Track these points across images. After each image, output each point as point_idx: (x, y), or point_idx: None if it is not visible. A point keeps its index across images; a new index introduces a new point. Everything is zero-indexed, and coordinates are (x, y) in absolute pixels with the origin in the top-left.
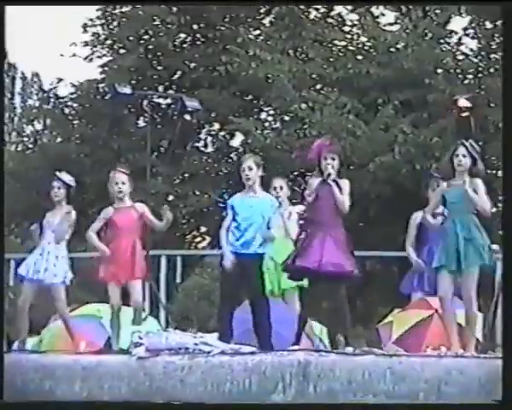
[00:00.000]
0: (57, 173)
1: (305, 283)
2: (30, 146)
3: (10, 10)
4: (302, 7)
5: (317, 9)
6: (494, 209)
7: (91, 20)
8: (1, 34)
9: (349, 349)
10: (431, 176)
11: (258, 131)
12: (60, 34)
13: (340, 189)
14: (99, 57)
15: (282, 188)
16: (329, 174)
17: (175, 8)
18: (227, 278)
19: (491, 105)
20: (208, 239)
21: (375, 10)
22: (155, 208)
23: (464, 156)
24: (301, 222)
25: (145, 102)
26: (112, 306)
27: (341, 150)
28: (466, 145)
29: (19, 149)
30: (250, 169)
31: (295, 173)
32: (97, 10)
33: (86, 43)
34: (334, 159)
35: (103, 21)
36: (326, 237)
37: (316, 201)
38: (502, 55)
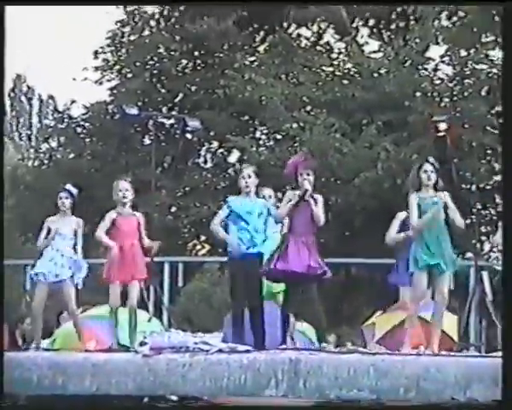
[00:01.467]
0: (63, 185)
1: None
2: (45, 162)
3: (27, 39)
4: (293, 36)
5: (307, 38)
6: (468, 221)
7: (102, 47)
8: (1, 34)
9: (324, 345)
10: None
11: (254, 149)
12: (73, 59)
13: (316, 203)
14: (108, 81)
15: (270, 197)
16: (306, 190)
17: (178, 37)
18: (235, 279)
19: (466, 126)
20: (208, 247)
21: (360, 39)
22: (159, 219)
23: (432, 172)
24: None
25: (150, 122)
26: (110, 305)
27: (316, 166)
28: (432, 162)
29: (35, 164)
30: (249, 177)
31: (287, 187)
32: (107, 38)
33: (97, 68)
34: (309, 174)
35: (112, 48)
36: (300, 245)
37: (293, 212)
38: (502, 55)
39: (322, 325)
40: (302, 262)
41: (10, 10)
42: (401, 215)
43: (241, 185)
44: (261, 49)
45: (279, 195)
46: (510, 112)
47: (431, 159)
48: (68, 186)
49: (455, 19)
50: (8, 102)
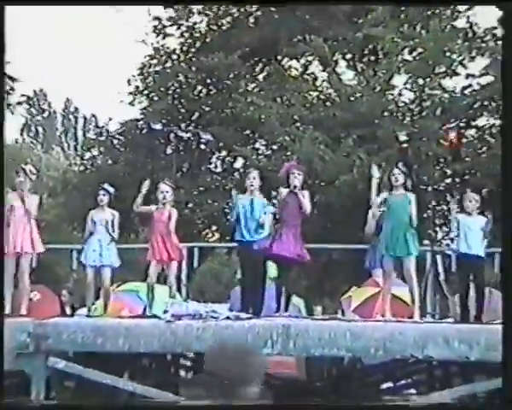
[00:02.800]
0: (102, 185)
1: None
2: (88, 167)
3: (78, 66)
4: (286, 67)
5: (296, 69)
6: (425, 215)
7: (133, 76)
8: (1, 34)
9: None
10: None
11: (254, 157)
12: (110, 85)
13: (304, 196)
14: (139, 103)
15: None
16: (295, 186)
17: (194, 68)
18: (242, 262)
19: (423, 139)
20: (217, 235)
21: (339, 70)
22: (179, 212)
23: (398, 174)
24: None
25: (172, 136)
26: (148, 283)
27: (305, 169)
28: (399, 167)
29: (81, 169)
30: (254, 179)
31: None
32: (138, 69)
33: (130, 93)
34: (299, 174)
35: (142, 77)
36: (290, 235)
37: (284, 205)
38: (502, 55)
39: (309, 297)
40: (291, 249)
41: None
42: (372, 212)
43: (247, 185)
44: (260, 77)
45: (273, 193)
46: (510, 113)
47: (400, 164)
48: (106, 185)
49: (414, 54)
50: (59, 120)
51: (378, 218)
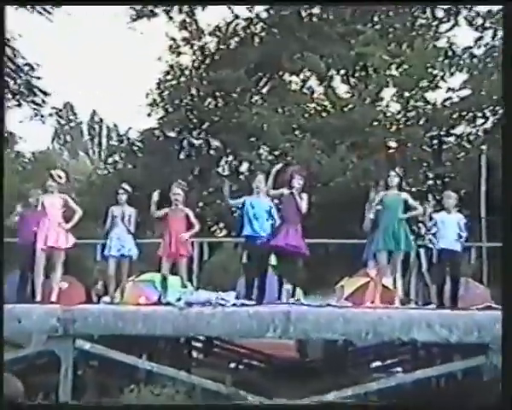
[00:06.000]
0: (121, 184)
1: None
2: (111, 171)
3: (97, 80)
4: (286, 81)
5: (296, 83)
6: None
7: (151, 90)
8: (1, 34)
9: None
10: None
11: (258, 161)
12: (130, 98)
13: (301, 198)
14: (156, 114)
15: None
16: (296, 188)
17: (205, 82)
18: (248, 255)
19: (408, 145)
20: (225, 231)
21: (334, 84)
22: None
23: (394, 176)
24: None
25: (185, 142)
26: (162, 274)
27: (307, 174)
28: (396, 170)
29: (104, 173)
30: (260, 182)
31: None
32: (155, 84)
33: (148, 105)
34: (300, 179)
35: (158, 91)
36: (291, 231)
37: (284, 205)
38: (502, 55)
39: (307, 286)
40: (292, 243)
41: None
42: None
43: (254, 187)
44: (264, 90)
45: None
46: (510, 114)
47: (396, 168)
48: (124, 184)
49: (400, 69)
50: (85, 129)
51: (373, 216)
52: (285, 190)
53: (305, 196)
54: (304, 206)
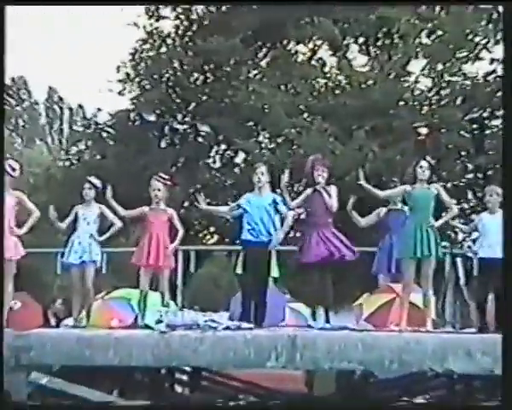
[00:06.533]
0: (88, 177)
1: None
2: (74, 162)
3: (59, 53)
4: (292, 52)
5: (303, 54)
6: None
7: (123, 62)
8: (1, 34)
9: (327, 325)
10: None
11: (257, 151)
12: (98, 73)
13: (329, 194)
14: (129, 92)
15: (262, 174)
16: (319, 182)
17: (190, 53)
18: (245, 265)
19: (442, 131)
20: (216, 237)
21: (350, 55)
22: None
23: (427, 168)
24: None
25: (166, 128)
26: (141, 290)
27: (330, 164)
28: (428, 160)
29: (66, 164)
30: (262, 174)
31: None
32: (128, 55)
33: (120, 81)
34: (324, 171)
35: (133, 63)
36: (321, 234)
37: (310, 206)
38: (502, 55)
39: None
40: (323, 254)
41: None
42: (381, 209)
43: (255, 181)
44: (263, 63)
45: (278, 190)
46: (510, 112)
47: (428, 157)
48: (91, 178)
49: (433, 36)
50: (43, 111)
51: (385, 216)
52: (308, 191)
53: (333, 189)
54: (334, 202)
